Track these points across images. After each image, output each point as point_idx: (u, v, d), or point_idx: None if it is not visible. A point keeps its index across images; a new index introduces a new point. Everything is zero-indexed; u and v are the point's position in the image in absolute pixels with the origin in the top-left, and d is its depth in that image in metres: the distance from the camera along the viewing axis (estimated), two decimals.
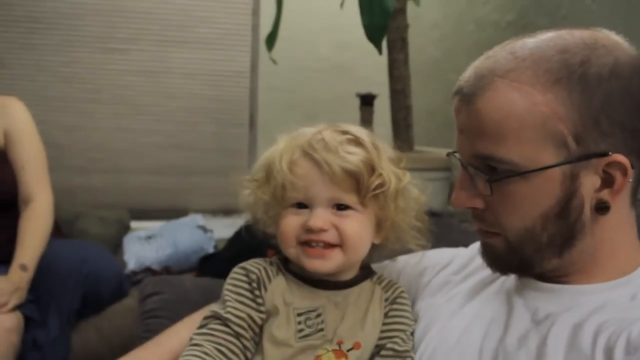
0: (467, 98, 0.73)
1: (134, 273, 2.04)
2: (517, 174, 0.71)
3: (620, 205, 0.73)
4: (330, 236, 0.84)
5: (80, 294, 1.70)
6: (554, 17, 1.91)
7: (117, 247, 2.20)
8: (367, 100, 2.31)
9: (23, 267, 1.57)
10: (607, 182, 0.71)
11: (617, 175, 0.70)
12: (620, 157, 0.69)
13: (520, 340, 0.73)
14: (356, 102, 2.37)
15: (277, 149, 0.88)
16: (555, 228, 0.72)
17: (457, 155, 0.79)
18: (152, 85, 2.71)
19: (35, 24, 2.58)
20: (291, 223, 0.85)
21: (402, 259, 1.05)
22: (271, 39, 2.21)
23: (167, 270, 2.10)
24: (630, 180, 0.71)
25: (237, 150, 2.80)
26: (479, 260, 0.89)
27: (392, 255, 1.03)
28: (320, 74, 2.91)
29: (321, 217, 0.84)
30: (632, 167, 0.70)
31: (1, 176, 1.69)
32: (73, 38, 2.61)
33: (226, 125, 2.80)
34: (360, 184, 0.84)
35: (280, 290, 0.88)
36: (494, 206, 0.75)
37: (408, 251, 1.01)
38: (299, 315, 0.85)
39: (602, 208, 0.71)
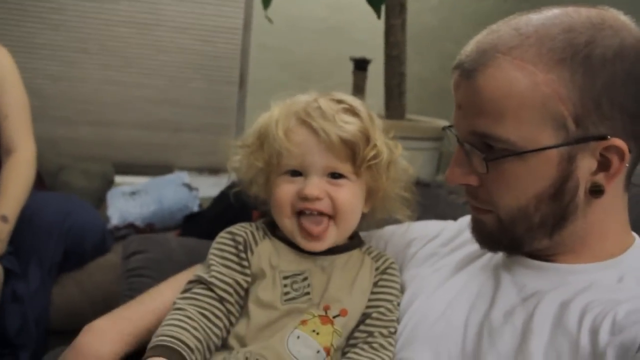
0: (468, 73, 0.72)
1: (117, 228, 2.02)
2: (515, 153, 0.70)
3: (615, 189, 0.73)
4: (324, 205, 0.86)
5: (62, 247, 1.69)
6: None
7: (100, 201, 2.18)
8: (360, 65, 2.28)
9: (3, 219, 1.55)
10: (604, 165, 0.70)
11: (614, 159, 0.70)
12: (618, 142, 0.68)
13: (506, 315, 0.74)
14: (350, 66, 2.34)
15: (272, 115, 0.88)
16: (548, 209, 0.72)
17: (453, 130, 0.78)
18: (143, 37, 2.64)
19: None
20: (286, 191, 0.86)
21: (389, 229, 1.06)
22: None
23: (150, 227, 2.08)
24: (627, 165, 0.70)
25: (226, 109, 2.77)
26: (467, 234, 0.90)
27: (379, 224, 1.03)
28: (315, 35, 2.86)
29: (316, 185, 0.85)
30: (630, 151, 0.70)
31: None
32: None
33: (216, 83, 2.76)
34: (356, 154, 0.86)
35: (266, 253, 0.88)
36: (489, 184, 0.74)
37: (395, 221, 1.01)
38: (285, 278, 0.86)
39: (596, 191, 0.71)
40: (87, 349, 0.85)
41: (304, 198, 0.84)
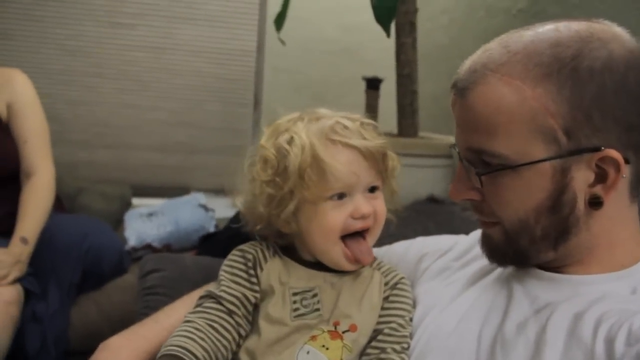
0: (461, 92, 0.74)
1: (135, 249, 2.04)
2: (506, 167, 0.72)
3: (617, 200, 0.73)
4: (371, 220, 0.88)
5: (81, 268, 1.71)
6: (566, 5, 1.88)
7: (118, 223, 2.21)
8: (373, 84, 2.30)
9: (24, 240, 1.58)
10: (601, 177, 0.71)
11: (610, 170, 0.70)
12: (613, 153, 0.69)
13: (519, 328, 0.74)
14: (362, 85, 2.36)
15: (301, 141, 0.85)
16: (548, 221, 0.73)
17: (456, 148, 0.80)
18: (158, 61, 2.69)
19: None
20: (337, 215, 0.85)
21: (400, 245, 1.07)
22: (280, 19, 2.20)
23: (167, 247, 2.10)
24: (624, 176, 0.70)
25: (241, 130, 2.79)
26: (479, 248, 0.90)
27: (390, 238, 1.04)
28: (327, 56, 2.89)
29: (366, 202, 0.87)
30: (628, 162, 0.70)
31: (4, 149, 1.69)
32: (79, 11, 2.59)
33: (231, 105, 2.79)
34: (383, 165, 0.89)
35: (276, 270, 0.89)
36: (488, 198, 0.76)
37: (404, 236, 1.02)
38: (295, 294, 0.87)
39: (595, 203, 0.71)
40: None
41: (361, 217, 0.86)
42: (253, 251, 0.91)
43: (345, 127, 0.85)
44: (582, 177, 0.70)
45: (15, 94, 1.72)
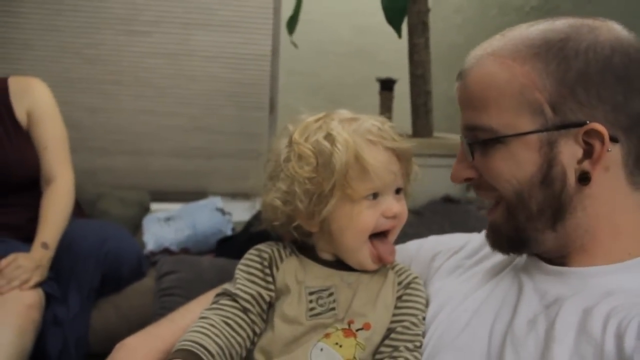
0: (461, 76, 0.80)
1: (153, 254, 2.06)
2: (494, 138, 0.76)
3: (611, 181, 0.74)
4: (397, 220, 0.90)
5: (100, 272, 1.72)
6: (578, 1, 1.87)
7: (136, 228, 2.23)
8: (386, 85, 2.30)
9: (44, 245, 1.60)
10: (589, 152, 0.73)
11: (597, 144, 0.72)
12: (597, 126, 0.71)
13: (529, 324, 0.74)
14: (377, 87, 2.36)
15: (344, 141, 0.86)
16: (541, 196, 0.75)
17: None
18: (174, 67, 2.73)
19: (59, 5, 2.61)
20: (371, 214, 0.87)
21: (413, 243, 1.07)
22: (292, 23, 2.21)
23: (185, 251, 2.12)
24: (610, 150, 0.72)
25: (258, 134, 2.81)
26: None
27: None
28: (342, 58, 2.90)
29: (396, 202, 0.89)
30: (617, 141, 0.72)
31: (24, 155, 1.72)
32: (97, 20, 2.63)
33: (247, 109, 2.81)
34: (409, 167, 0.91)
35: (292, 269, 0.90)
36: (482, 172, 0.79)
37: (417, 235, 1.02)
38: (311, 294, 0.87)
39: (584, 179, 0.73)
40: None
41: (392, 217, 0.88)
42: (269, 250, 0.92)
43: (381, 129, 0.88)
44: (570, 152, 0.73)
45: (35, 102, 1.75)
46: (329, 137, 0.86)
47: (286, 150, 0.90)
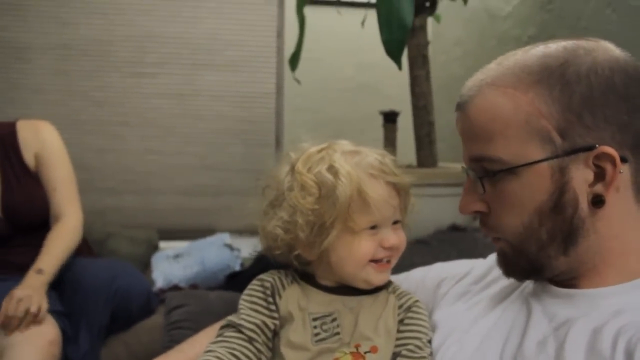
0: (461, 107, 0.79)
1: (162, 291, 2.06)
2: (505, 169, 0.75)
3: (621, 202, 0.74)
4: (395, 250, 0.91)
5: (110, 310, 1.72)
6: (575, 30, 1.91)
7: (146, 265, 2.24)
8: (390, 118, 2.33)
9: (39, 271, 1.60)
10: (600, 175, 0.73)
11: (608, 167, 0.72)
12: (607, 149, 0.71)
13: (538, 346, 0.74)
14: (380, 120, 2.39)
15: (347, 174, 0.86)
16: (552, 223, 0.74)
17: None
18: (181, 107, 2.77)
19: (68, 50, 2.68)
20: (370, 245, 0.88)
21: (419, 272, 1.07)
22: (294, 60, 2.26)
23: (194, 287, 2.12)
24: (622, 171, 0.72)
25: (264, 171, 2.82)
26: (498, 270, 0.90)
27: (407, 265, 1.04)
28: (345, 94, 2.94)
29: (393, 233, 0.90)
30: (626, 160, 0.72)
31: (33, 197, 1.75)
32: (104, 63, 2.70)
33: (253, 146, 2.84)
34: (407, 200, 0.92)
35: (294, 297, 0.90)
36: (493, 207, 0.78)
37: (422, 263, 1.03)
38: (315, 319, 0.88)
39: (598, 202, 0.73)
40: None
41: (390, 248, 0.89)
42: (271, 279, 0.93)
43: (382, 163, 0.89)
44: (581, 177, 0.73)
45: (43, 145, 1.79)
46: (331, 169, 0.87)
47: (288, 179, 0.91)
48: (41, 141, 1.79)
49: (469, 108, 0.77)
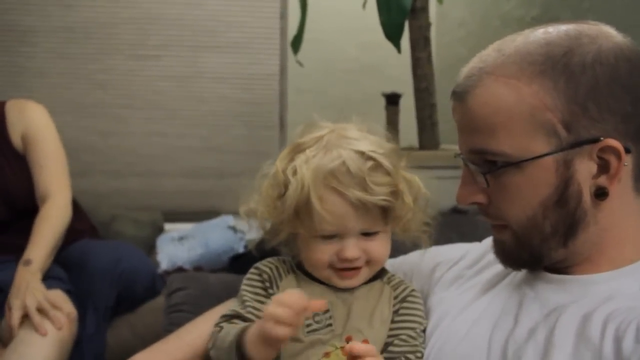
0: (459, 97, 0.77)
1: (167, 272, 2.08)
2: (510, 164, 0.73)
3: (622, 192, 0.74)
4: (361, 261, 0.88)
5: (115, 292, 1.73)
6: (578, 11, 1.89)
7: (150, 248, 2.26)
8: (392, 100, 2.33)
9: (26, 262, 1.56)
10: (604, 167, 0.72)
11: (612, 159, 0.71)
12: (612, 142, 0.70)
13: (529, 332, 0.74)
14: (383, 101, 2.39)
15: (302, 178, 0.84)
16: (556, 216, 0.74)
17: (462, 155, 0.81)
18: (184, 89, 2.76)
19: (71, 33, 2.67)
20: (323, 252, 0.87)
21: (415, 255, 1.07)
22: (297, 42, 2.25)
23: (198, 269, 2.14)
24: (626, 164, 0.71)
25: (268, 152, 2.83)
26: (492, 255, 0.91)
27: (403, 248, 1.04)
28: (348, 75, 2.93)
29: (354, 246, 0.86)
30: (629, 151, 0.71)
31: (26, 181, 1.71)
32: (107, 46, 2.69)
33: (256, 128, 2.84)
34: (389, 214, 0.87)
35: (290, 288, 0.89)
36: (495, 199, 0.77)
37: (418, 246, 1.03)
38: None
39: (601, 194, 0.72)
40: None
41: (344, 260, 0.86)
42: (268, 270, 0.94)
43: (349, 172, 0.83)
44: (585, 169, 0.72)
45: (28, 124, 1.73)
46: (294, 171, 0.86)
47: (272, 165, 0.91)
48: (26, 121, 1.73)
49: (469, 99, 0.75)
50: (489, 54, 0.76)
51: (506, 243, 0.79)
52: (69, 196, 1.73)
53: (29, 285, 1.51)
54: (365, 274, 0.90)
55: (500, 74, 0.73)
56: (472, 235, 1.77)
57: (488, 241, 1.01)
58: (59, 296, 1.56)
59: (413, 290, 0.94)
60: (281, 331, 0.74)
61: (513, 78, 0.72)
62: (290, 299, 0.75)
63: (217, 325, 0.91)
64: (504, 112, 0.72)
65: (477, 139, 0.75)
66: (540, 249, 0.76)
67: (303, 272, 0.93)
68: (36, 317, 1.47)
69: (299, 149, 0.89)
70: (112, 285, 1.73)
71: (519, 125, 0.72)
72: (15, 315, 1.47)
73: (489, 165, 0.75)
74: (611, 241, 0.75)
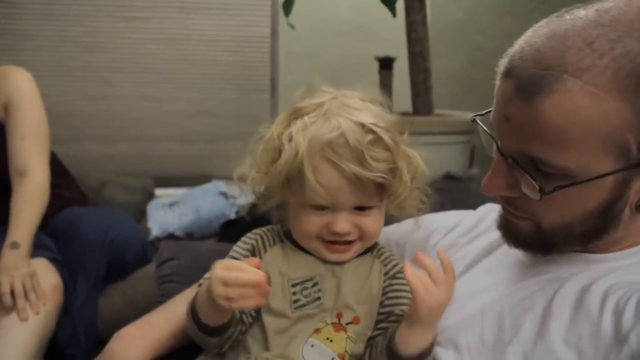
0: (527, 92, 0.65)
1: (158, 239, 2.08)
2: (573, 184, 0.67)
3: None
4: (353, 236, 0.85)
5: (106, 260, 1.73)
6: None
7: (141, 214, 2.25)
8: (385, 64, 2.30)
9: (14, 245, 1.52)
10: None
11: None
12: None
13: (526, 302, 0.74)
14: (377, 65, 2.36)
15: (297, 146, 0.81)
16: (592, 224, 0.71)
17: (493, 135, 0.74)
18: (174, 52, 2.72)
19: None
20: (313, 223, 0.84)
21: (409, 222, 1.05)
22: (288, 4, 2.20)
23: (189, 236, 2.14)
24: None
25: (259, 116, 2.81)
26: (487, 223, 0.90)
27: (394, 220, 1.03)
28: (341, 37, 2.89)
29: (346, 220, 0.83)
30: None
31: (1, 152, 1.64)
32: (94, 8, 2.63)
33: (248, 91, 2.81)
34: (385, 190, 0.84)
35: (275, 260, 0.88)
36: (532, 200, 0.71)
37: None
38: (294, 285, 0.86)
39: None
40: (115, 355, 0.90)
41: (334, 233, 0.83)
42: (253, 241, 0.90)
43: (347, 144, 0.79)
44: (637, 186, 0.68)
45: (11, 92, 1.64)
46: (289, 137, 0.82)
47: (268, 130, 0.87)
48: (10, 88, 1.64)
49: (542, 102, 0.64)
50: (572, 41, 0.63)
51: (522, 230, 0.75)
52: (48, 173, 1.66)
53: (18, 269, 1.49)
54: (356, 248, 0.87)
55: (588, 81, 0.62)
56: (464, 201, 1.77)
57: (482, 209, 1.01)
58: (43, 266, 1.55)
59: (403, 266, 0.92)
60: (225, 292, 0.74)
61: (602, 89, 0.62)
62: (239, 264, 0.76)
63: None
64: (581, 127, 0.63)
65: (538, 146, 0.66)
66: (559, 244, 0.74)
67: (292, 242, 0.90)
68: (20, 302, 1.46)
69: (297, 114, 0.85)
70: (102, 253, 1.73)
71: (594, 143, 0.64)
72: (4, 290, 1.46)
73: (538, 173, 0.68)
74: (630, 237, 0.74)
